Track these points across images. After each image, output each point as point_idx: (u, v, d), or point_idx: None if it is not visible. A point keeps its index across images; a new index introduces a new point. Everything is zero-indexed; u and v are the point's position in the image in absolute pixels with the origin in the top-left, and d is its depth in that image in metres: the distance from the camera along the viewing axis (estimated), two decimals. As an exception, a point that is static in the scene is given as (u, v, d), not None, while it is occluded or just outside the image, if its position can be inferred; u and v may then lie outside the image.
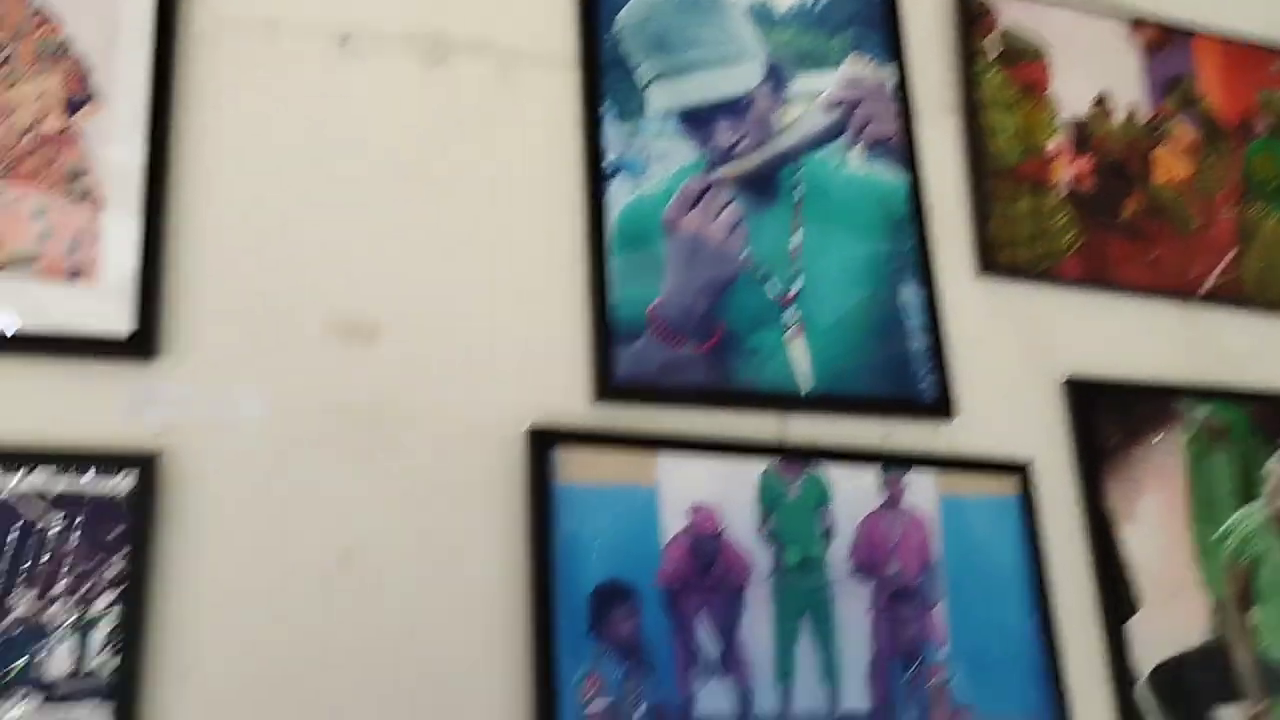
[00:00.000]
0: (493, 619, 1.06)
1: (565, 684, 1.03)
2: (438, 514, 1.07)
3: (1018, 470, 1.26)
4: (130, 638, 0.95)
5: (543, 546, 1.06)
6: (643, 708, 1.06)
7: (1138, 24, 1.54)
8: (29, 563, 0.94)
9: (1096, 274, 1.40)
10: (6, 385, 0.99)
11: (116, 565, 0.96)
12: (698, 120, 1.25)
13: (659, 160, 1.22)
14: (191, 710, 0.96)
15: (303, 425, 1.06)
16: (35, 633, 0.93)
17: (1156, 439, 1.35)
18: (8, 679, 0.91)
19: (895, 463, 1.22)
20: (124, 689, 0.93)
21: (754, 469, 1.16)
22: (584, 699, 1.04)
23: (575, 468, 1.10)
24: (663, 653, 1.08)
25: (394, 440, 1.08)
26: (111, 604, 0.95)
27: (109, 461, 0.98)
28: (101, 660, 0.94)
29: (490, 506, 1.08)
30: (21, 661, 0.92)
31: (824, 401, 1.22)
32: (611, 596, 1.08)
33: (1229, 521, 1.35)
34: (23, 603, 0.93)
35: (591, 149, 1.20)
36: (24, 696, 0.91)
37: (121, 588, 0.95)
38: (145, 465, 0.98)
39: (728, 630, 1.11)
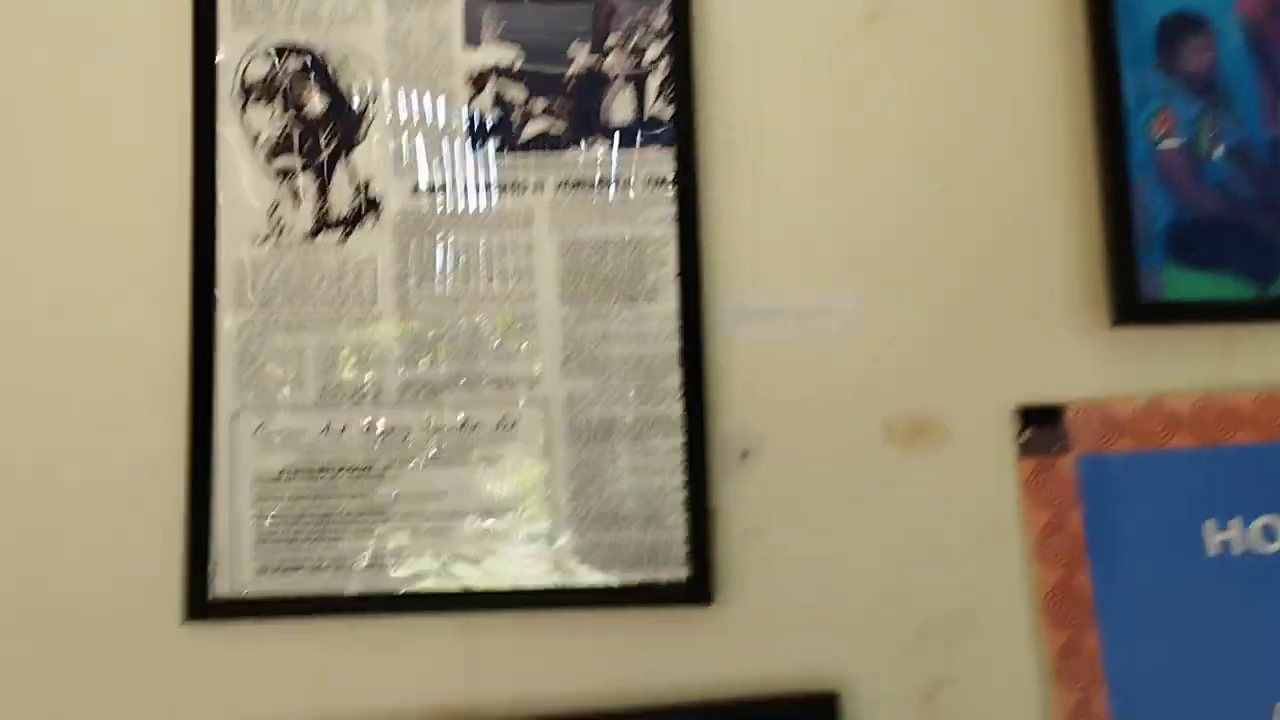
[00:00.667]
0: (1039, 68, 0.98)
1: (1133, 121, 0.94)
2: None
3: None
4: (680, 89, 0.96)
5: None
6: (1221, 148, 0.95)
7: None
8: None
9: None
10: None
11: (661, 16, 0.96)
12: None
13: None
14: (738, 159, 0.98)
15: None
16: (598, 81, 0.96)
17: None
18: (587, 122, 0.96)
19: None
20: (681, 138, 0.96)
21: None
22: (1154, 136, 0.94)
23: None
24: (1244, 89, 0.95)
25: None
26: (659, 56, 0.96)
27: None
28: (658, 109, 0.96)
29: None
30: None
31: None
32: (1182, 27, 0.95)
33: None
34: (580, 55, 0.96)
35: None
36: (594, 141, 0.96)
37: (668, 38, 0.96)
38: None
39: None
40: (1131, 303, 0.94)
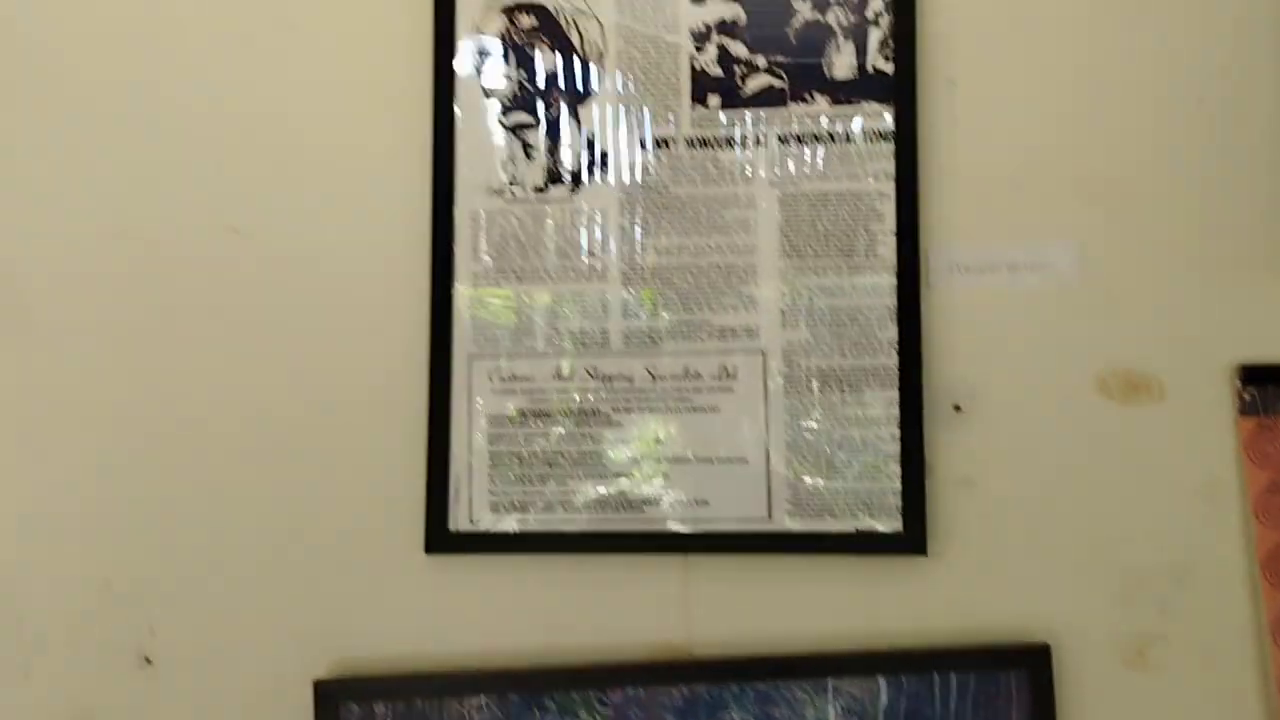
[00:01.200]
0: (1263, 28, 0.96)
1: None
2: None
3: None
4: (901, 43, 0.97)
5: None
6: None
7: None
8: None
9: None
10: None
11: (883, -29, 0.97)
12: None
13: None
14: (957, 114, 0.98)
15: None
16: (820, 36, 0.97)
17: None
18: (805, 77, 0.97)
19: None
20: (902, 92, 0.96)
21: None
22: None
23: None
24: None
25: None
26: (882, 11, 0.97)
27: None
28: (879, 63, 0.97)
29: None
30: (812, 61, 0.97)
31: None
32: None
33: None
34: (803, 9, 0.97)
35: None
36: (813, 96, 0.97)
37: (889, -6, 0.97)
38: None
39: None
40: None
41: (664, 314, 0.96)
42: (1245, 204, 0.96)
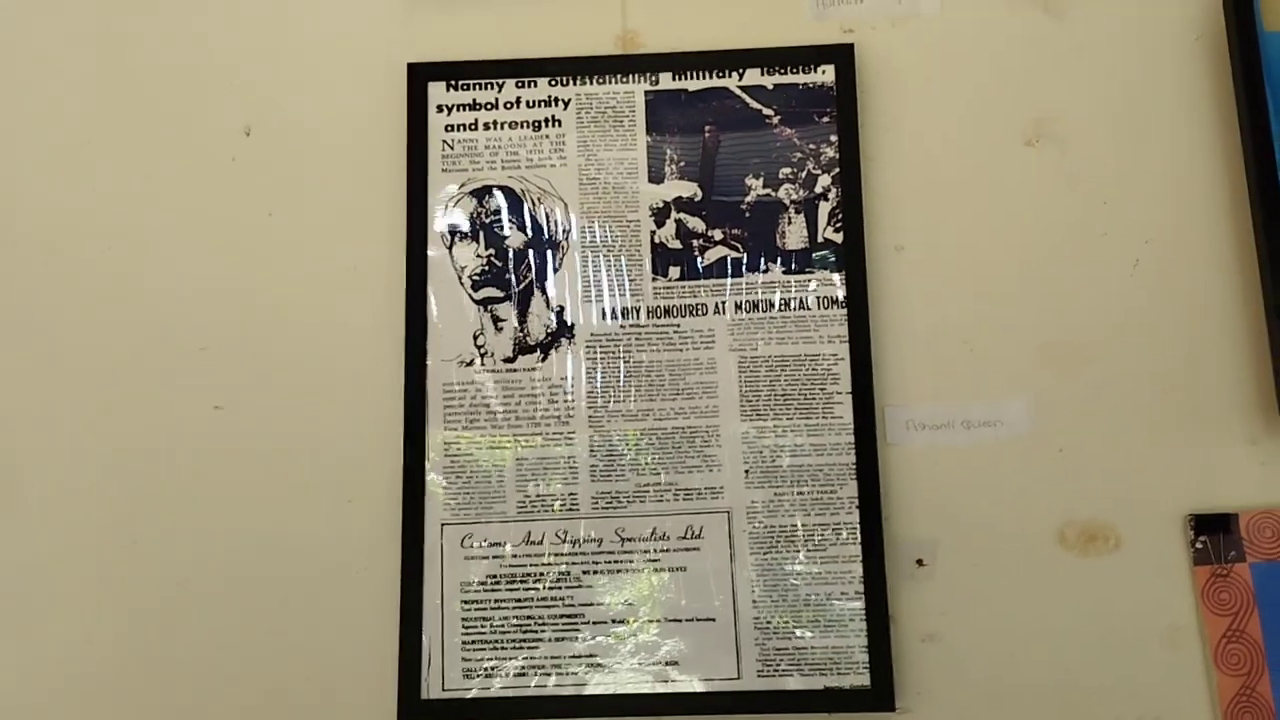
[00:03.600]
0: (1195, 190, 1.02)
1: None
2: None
3: None
4: (849, 215, 1.02)
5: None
6: (1388, 259, 0.97)
7: None
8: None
9: None
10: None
11: (829, 150, 1.03)
12: None
13: None
14: (906, 279, 1.03)
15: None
16: (774, 208, 1.03)
17: None
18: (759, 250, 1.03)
19: None
20: (852, 260, 1.02)
21: None
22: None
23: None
24: None
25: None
26: (829, 186, 1.03)
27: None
28: (829, 233, 1.02)
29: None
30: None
31: None
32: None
33: None
34: (755, 186, 1.03)
35: None
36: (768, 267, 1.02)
37: (835, 171, 1.03)
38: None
39: None
40: (1304, 412, 0.95)
41: (632, 476, 0.99)
42: (1188, 359, 1.01)
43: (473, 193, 1.04)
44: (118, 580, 1.01)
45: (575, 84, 1.05)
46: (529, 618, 0.98)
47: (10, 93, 1.09)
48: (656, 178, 1.04)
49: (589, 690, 0.97)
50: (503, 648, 0.98)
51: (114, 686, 0.99)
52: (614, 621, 0.97)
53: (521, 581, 0.99)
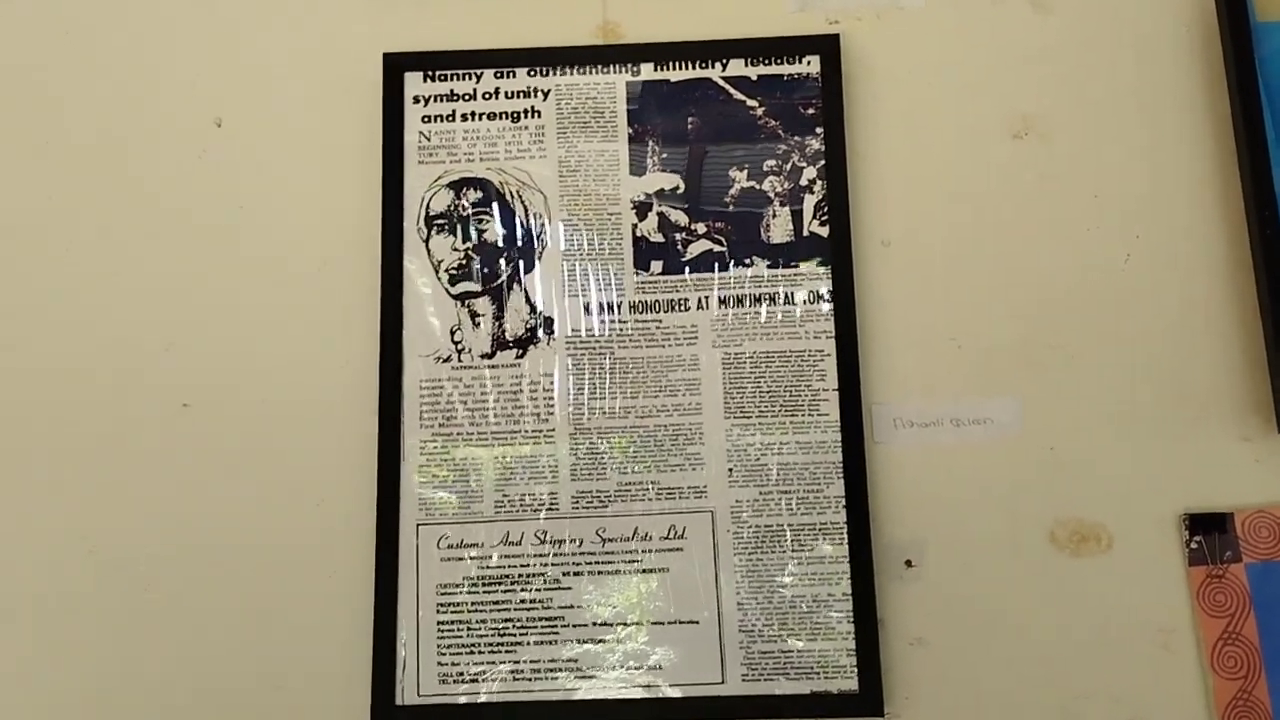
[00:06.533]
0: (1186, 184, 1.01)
1: (1290, 227, 0.95)
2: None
3: None
4: (835, 209, 1.00)
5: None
6: (1383, 252, 0.95)
7: None
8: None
9: None
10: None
11: (815, 142, 1.01)
12: None
13: None
14: (893, 274, 1.01)
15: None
16: (759, 200, 1.01)
17: None
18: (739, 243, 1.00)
19: None
20: (838, 254, 0.99)
21: None
22: (1314, 242, 0.95)
23: None
24: (1403, 193, 0.96)
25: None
26: (815, 179, 1.01)
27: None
28: (815, 227, 1.00)
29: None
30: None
31: None
32: (1335, 135, 0.97)
33: None
34: (740, 179, 1.01)
35: None
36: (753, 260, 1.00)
37: (821, 164, 1.01)
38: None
39: None
40: (1299, 408, 0.94)
41: (613, 476, 0.97)
42: (1182, 357, 0.99)
43: (450, 185, 1.01)
44: (81, 583, 0.97)
45: (555, 74, 1.03)
46: (508, 621, 0.95)
47: (-25, 84, 1.06)
48: (638, 170, 1.01)
49: (570, 696, 0.94)
50: (480, 652, 0.95)
51: (77, 691, 0.96)
52: (596, 625, 0.95)
53: (499, 583, 0.96)
